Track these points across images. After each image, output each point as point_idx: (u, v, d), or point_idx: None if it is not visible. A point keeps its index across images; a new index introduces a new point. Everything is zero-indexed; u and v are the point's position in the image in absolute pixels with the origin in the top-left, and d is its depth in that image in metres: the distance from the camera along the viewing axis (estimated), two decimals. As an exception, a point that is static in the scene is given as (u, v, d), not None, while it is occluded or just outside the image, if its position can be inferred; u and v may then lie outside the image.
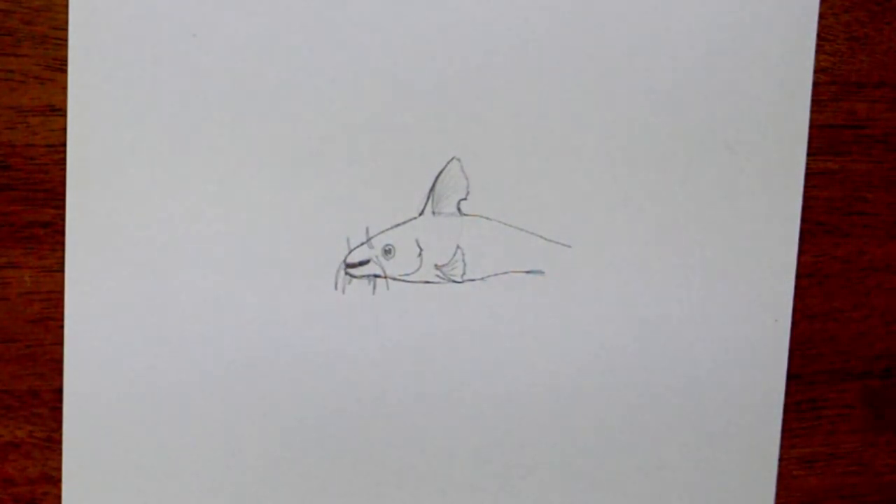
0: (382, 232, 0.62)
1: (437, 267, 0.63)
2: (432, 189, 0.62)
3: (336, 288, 0.62)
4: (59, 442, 0.60)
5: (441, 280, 0.63)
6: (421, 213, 0.62)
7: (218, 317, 0.61)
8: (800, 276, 0.68)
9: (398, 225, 0.62)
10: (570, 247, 0.64)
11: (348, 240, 0.62)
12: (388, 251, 0.62)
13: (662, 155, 0.65)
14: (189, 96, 0.59)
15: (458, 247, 0.63)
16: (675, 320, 0.67)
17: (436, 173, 0.62)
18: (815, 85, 0.67)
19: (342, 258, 0.62)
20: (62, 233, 0.59)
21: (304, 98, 0.60)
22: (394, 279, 0.63)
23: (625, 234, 0.65)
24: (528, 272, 0.64)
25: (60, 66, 0.58)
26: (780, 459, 0.70)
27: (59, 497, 0.61)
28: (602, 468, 0.67)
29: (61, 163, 0.58)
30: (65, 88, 0.58)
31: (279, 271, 0.61)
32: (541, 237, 0.64)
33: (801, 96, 0.66)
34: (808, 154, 0.67)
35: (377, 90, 0.61)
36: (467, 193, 0.63)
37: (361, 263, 0.62)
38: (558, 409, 0.66)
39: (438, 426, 0.65)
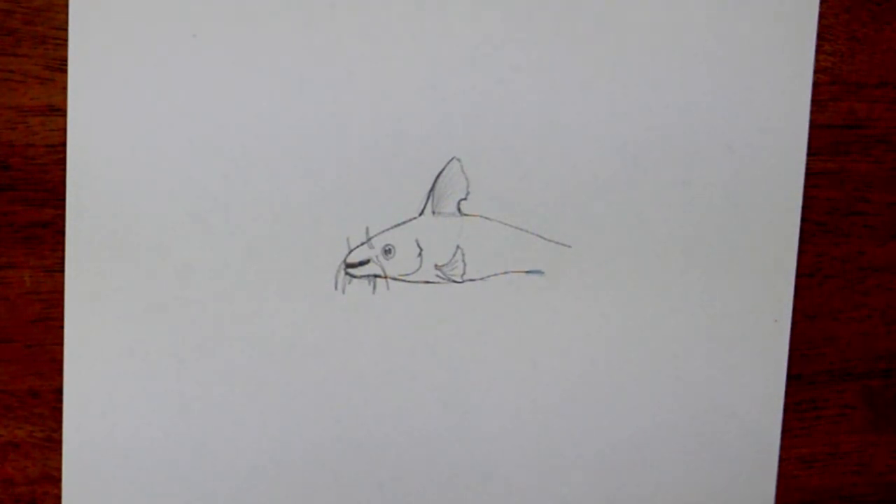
0: (382, 232, 0.62)
1: (437, 267, 0.63)
2: (432, 189, 0.62)
3: (336, 288, 0.62)
4: (59, 442, 0.60)
5: (441, 280, 0.63)
6: (421, 213, 0.62)
7: (217, 317, 0.61)
8: (800, 276, 0.68)
9: (398, 225, 0.62)
10: (569, 247, 0.65)
11: (348, 240, 0.62)
12: (388, 251, 0.62)
13: (662, 155, 0.65)
14: (189, 96, 0.59)
15: (457, 247, 0.63)
16: (674, 320, 0.67)
17: (436, 173, 0.62)
18: (815, 85, 0.67)
19: (342, 258, 0.62)
20: (62, 233, 0.59)
21: (304, 98, 0.60)
22: (394, 279, 0.63)
23: (624, 234, 0.65)
24: (527, 272, 0.64)
25: (60, 66, 0.58)
26: (780, 459, 0.70)
27: (59, 497, 0.61)
28: (601, 468, 0.67)
29: (61, 163, 0.58)
30: (65, 88, 0.58)
31: (279, 271, 0.61)
32: (541, 237, 0.64)
33: (801, 96, 0.66)
34: (808, 154, 0.67)
35: (377, 90, 0.61)
36: (467, 193, 0.63)
37: (361, 263, 0.62)
38: (558, 409, 0.66)
39: (438, 426, 0.65)
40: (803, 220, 0.68)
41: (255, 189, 0.60)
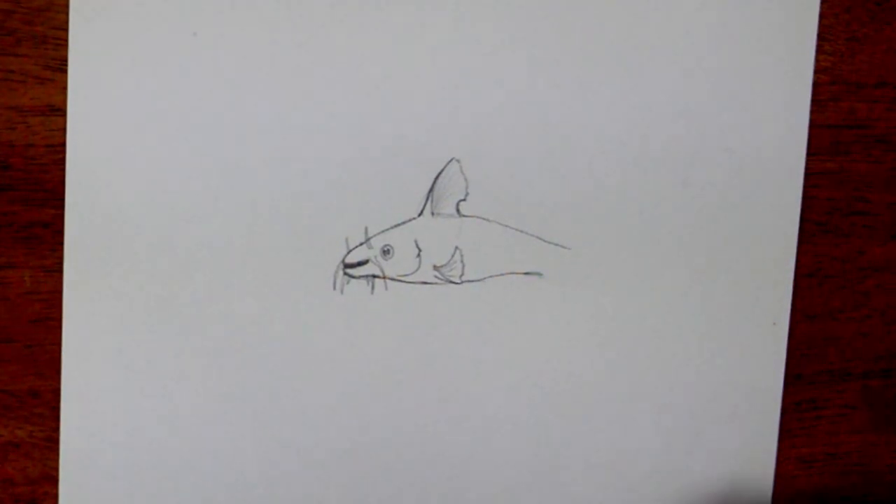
0: (381, 232, 0.62)
1: (435, 268, 0.63)
2: (431, 190, 0.62)
3: (335, 288, 0.62)
4: (59, 442, 0.60)
5: (439, 281, 0.63)
6: (420, 214, 0.62)
7: (216, 316, 0.61)
8: (800, 277, 0.68)
9: (397, 225, 0.62)
10: (568, 249, 0.64)
11: (347, 240, 0.62)
12: (386, 251, 0.62)
13: (661, 156, 0.65)
14: (188, 96, 0.59)
15: (456, 248, 0.63)
16: (673, 321, 0.67)
17: (435, 174, 0.62)
18: (815, 85, 0.67)
19: (341, 258, 0.62)
20: (62, 233, 0.59)
21: (304, 98, 0.60)
22: (392, 280, 0.63)
23: (623, 236, 0.65)
24: (526, 274, 0.64)
25: (60, 66, 0.58)
26: (780, 459, 0.70)
27: (58, 497, 0.61)
28: (599, 468, 0.67)
29: (61, 163, 0.58)
30: (64, 88, 0.58)
31: (278, 271, 0.61)
32: (539, 239, 0.64)
33: (801, 97, 0.66)
34: (808, 154, 0.67)
35: (377, 90, 0.61)
36: (466, 194, 0.63)
37: (360, 264, 0.62)
38: (556, 410, 0.66)
39: (436, 426, 0.65)
40: (803, 220, 0.68)
41: (254, 189, 0.60)
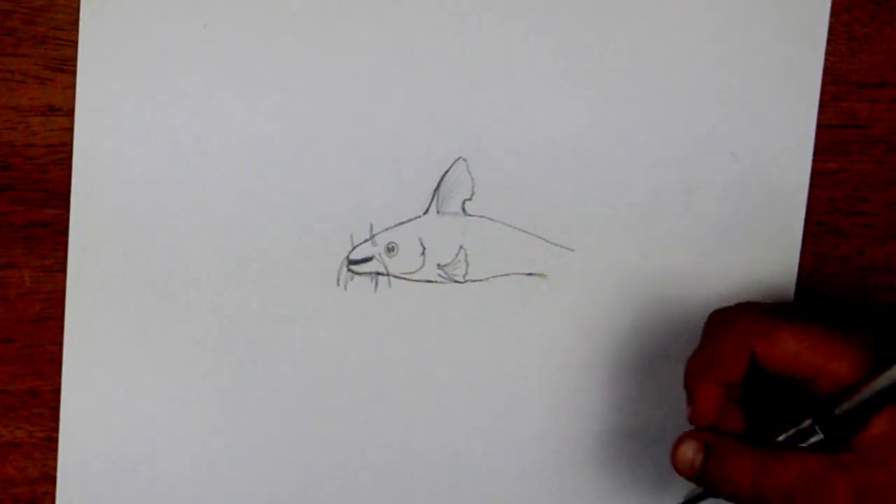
0: (386, 230, 0.62)
1: (439, 266, 0.63)
2: (437, 188, 0.62)
3: (338, 284, 0.62)
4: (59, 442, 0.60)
5: (443, 280, 0.63)
6: (425, 213, 0.62)
7: (219, 313, 0.61)
8: (800, 276, 0.68)
9: (402, 223, 0.62)
10: (573, 250, 0.64)
11: (352, 236, 0.62)
12: (391, 249, 0.62)
13: (666, 159, 0.65)
14: (194, 92, 0.59)
15: (461, 247, 0.63)
16: (676, 325, 0.67)
17: (441, 173, 0.62)
18: (815, 85, 0.67)
19: (345, 254, 0.62)
20: (62, 233, 0.59)
21: (311, 94, 0.60)
22: (396, 277, 0.63)
23: (628, 239, 0.65)
24: (530, 274, 0.64)
25: (60, 66, 0.58)
26: (780, 459, 0.70)
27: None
28: (602, 471, 0.67)
29: (61, 163, 0.58)
30: (65, 88, 0.58)
31: (282, 267, 0.61)
32: (544, 240, 0.64)
33: (809, 103, 0.66)
34: (808, 155, 0.67)
35: (385, 87, 0.61)
36: (472, 194, 0.63)
37: (364, 260, 0.62)
38: (557, 411, 0.66)
39: (436, 425, 0.65)
40: (804, 220, 0.68)
41: (260, 185, 0.60)
